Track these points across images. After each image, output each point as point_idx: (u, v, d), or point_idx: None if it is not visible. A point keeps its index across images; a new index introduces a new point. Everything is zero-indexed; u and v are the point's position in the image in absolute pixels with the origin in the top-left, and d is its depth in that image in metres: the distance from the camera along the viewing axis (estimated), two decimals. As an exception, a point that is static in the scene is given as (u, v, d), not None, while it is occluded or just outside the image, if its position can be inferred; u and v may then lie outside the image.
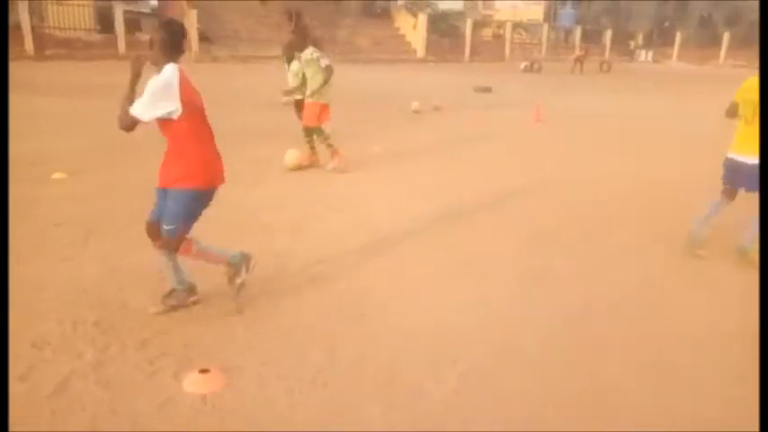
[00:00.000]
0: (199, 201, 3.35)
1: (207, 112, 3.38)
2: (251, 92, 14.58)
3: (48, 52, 21.79)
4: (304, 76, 7.12)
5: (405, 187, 6.74)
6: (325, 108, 7.07)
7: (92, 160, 7.33)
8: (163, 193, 3.35)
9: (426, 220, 5.52)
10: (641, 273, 4.56)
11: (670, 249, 5.02)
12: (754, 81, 4.47)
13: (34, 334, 3.28)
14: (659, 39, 45.26)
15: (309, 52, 6.87)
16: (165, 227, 3.32)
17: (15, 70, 17.98)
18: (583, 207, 6.17)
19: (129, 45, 22.88)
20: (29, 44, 21.50)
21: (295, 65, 7.49)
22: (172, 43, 3.16)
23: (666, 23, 46.42)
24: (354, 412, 2.76)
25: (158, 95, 3.07)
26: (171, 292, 3.58)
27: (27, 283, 3.90)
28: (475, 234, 5.24)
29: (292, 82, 7.68)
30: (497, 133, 10.74)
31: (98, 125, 9.97)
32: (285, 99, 13.46)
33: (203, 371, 2.92)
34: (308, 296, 3.92)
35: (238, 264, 3.59)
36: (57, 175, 6.43)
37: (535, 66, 28.36)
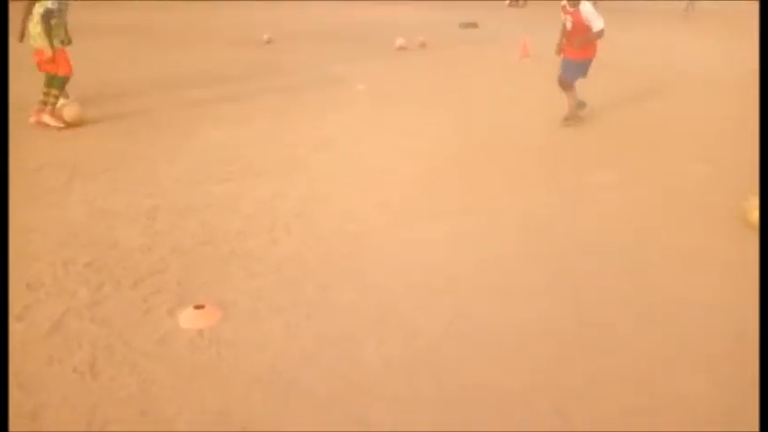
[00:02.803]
0: (589, 64, 6.40)
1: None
2: (234, 28, 14.12)
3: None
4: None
5: (391, 126, 6.67)
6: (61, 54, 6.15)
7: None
8: (567, 62, 6.44)
9: (416, 159, 5.48)
10: (650, 214, 4.49)
11: (666, 188, 5.07)
12: None
13: (28, 275, 3.28)
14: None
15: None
16: (568, 76, 6.48)
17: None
18: (574, 144, 6.16)
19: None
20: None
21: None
22: None
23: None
24: (350, 346, 2.81)
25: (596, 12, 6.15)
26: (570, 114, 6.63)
27: (16, 227, 3.84)
28: (466, 173, 5.23)
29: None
30: (484, 69, 10.58)
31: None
32: (266, 37, 13.17)
33: (198, 306, 2.96)
34: (299, 234, 3.93)
35: (582, 105, 6.71)
36: (33, 119, 6.24)
37: (521, 2, 27.67)
